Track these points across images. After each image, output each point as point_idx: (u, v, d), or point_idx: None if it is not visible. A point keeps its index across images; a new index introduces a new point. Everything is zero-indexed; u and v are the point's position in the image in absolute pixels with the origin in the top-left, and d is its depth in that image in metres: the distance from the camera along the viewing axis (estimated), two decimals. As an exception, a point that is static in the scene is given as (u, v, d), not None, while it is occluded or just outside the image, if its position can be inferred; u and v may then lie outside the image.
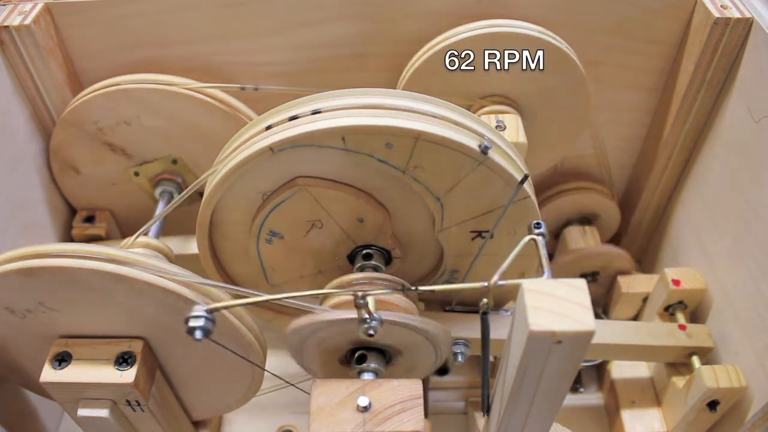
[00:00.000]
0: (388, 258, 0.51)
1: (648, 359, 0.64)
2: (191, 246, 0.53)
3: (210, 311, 0.38)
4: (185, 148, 0.62)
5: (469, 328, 0.56)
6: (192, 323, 0.37)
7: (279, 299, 0.42)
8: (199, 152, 0.62)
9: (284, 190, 0.47)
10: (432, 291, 0.42)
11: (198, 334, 0.37)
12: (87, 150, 0.62)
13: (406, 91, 0.44)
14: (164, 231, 0.60)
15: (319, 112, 0.43)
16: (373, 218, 0.49)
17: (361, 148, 0.43)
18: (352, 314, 0.43)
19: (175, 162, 0.63)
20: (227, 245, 0.52)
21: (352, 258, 0.52)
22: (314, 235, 0.51)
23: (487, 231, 0.47)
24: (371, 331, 0.43)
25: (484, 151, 0.42)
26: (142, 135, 0.61)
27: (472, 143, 0.42)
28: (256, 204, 0.49)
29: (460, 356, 0.55)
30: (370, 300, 0.43)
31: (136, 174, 0.64)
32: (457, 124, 0.43)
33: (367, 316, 0.42)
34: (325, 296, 0.48)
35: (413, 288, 0.42)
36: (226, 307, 0.41)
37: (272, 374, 0.48)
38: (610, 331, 0.59)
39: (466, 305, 0.59)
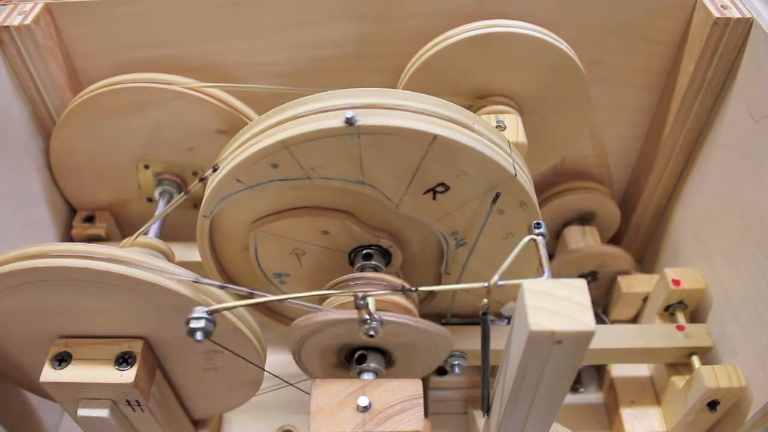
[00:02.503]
0: (387, 256, 0.51)
1: (648, 361, 0.64)
2: (196, 253, 0.54)
3: (210, 312, 0.38)
4: (185, 148, 0.62)
5: (465, 340, 0.57)
6: (193, 324, 0.37)
7: (280, 300, 0.42)
8: (199, 152, 0.62)
9: (250, 239, 0.49)
10: (432, 291, 0.42)
11: (199, 336, 0.37)
12: (88, 148, 0.62)
13: (277, 107, 0.44)
14: (169, 237, 0.60)
15: (216, 168, 0.46)
16: (333, 226, 0.49)
17: (256, 180, 0.45)
18: (353, 314, 0.43)
19: (195, 173, 0.64)
20: (228, 246, 0.52)
21: (353, 262, 0.52)
22: (307, 261, 0.52)
23: (441, 184, 0.45)
24: (372, 332, 0.43)
25: (350, 122, 0.41)
26: (145, 134, 0.61)
27: (336, 122, 0.41)
28: (246, 255, 0.52)
29: (456, 368, 0.56)
30: (371, 301, 0.43)
31: (146, 167, 0.64)
32: (321, 111, 0.42)
33: (367, 316, 0.42)
34: (326, 298, 0.48)
35: (413, 288, 0.42)
36: (227, 309, 0.41)
37: (272, 374, 0.48)
38: (608, 335, 0.59)
39: (462, 317, 0.59)
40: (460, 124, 0.43)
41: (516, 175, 0.44)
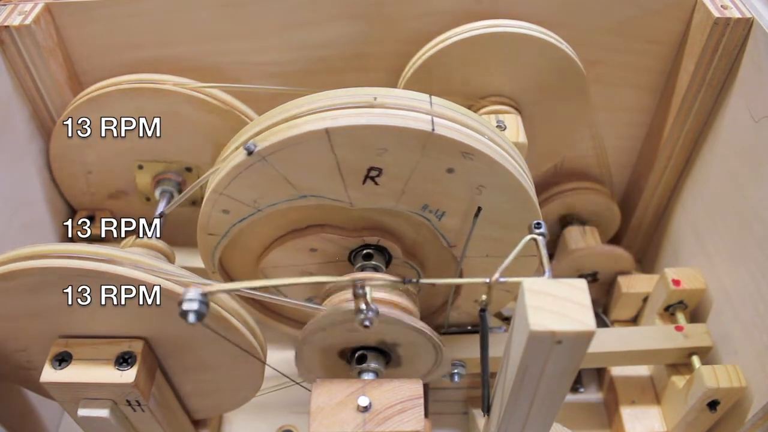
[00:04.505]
0: (384, 251, 0.51)
1: (648, 362, 0.64)
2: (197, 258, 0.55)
3: (204, 294, 0.37)
4: (185, 148, 0.62)
5: (464, 349, 0.57)
6: (186, 306, 0.36)
7: (276, 285, 0.42)
8: (199, 152, 0.62)
9: (261, 276, 0.53)
10: (433, 285, 0.41)
11: (191, 318, 0.36)
12: (88, 149, 0.62)
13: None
14: (171, 242, 0.60)
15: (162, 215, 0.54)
16: (315, 242, 0.51)
17: (223, 229, 0.48)
18: (349, 308, 0.43)
19: (189, 170, 0.64)
20: (232, 251, 0.53)
21: (354, 264, 0.52)
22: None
23: (371, 168, 0.45)
24: (367, 322, 0.42)
25: (250, 150, 0.42)
26: (143, 135, 0.61)
27: (241, 156, 0.43)
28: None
29: (456, 377, 0.56)
30: (368, 291, 0.43)
31: (140, 167, 0.64)
32: (234, 150, 0.45)
33: (364, 306, 0.42)
34: (325, 298, 0.49)
35: (414, 280, 0.42)
36: (222, 291, 0.41)
37: (276, 371, 0.48)
38: (607, 339, 0.59)
39: (460, 326, 0.59)
40: (360, 105, 0.42)
41: (434, 130, 0.41)
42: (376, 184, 0.45)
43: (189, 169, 0.64)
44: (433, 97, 0.43)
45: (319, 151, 0.43)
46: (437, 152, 0.42)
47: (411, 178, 0.45)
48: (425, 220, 0.48)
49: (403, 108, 0.42)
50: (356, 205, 0.47)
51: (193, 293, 0.36)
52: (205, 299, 0.37)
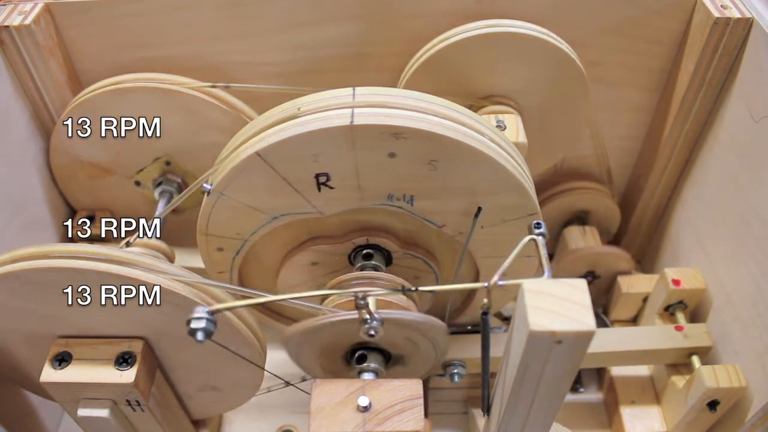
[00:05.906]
0: (379, 249, 0.51)
1: (648, 362, 0.64)
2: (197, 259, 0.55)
3: (211, 312, 0.38)
4: (185, 148, 0.62)
5: (464, 349, 0.57)
6: (194, 325, 0.37)
7: (281, 300, 0.42)
8: (199, 152, 0.62)
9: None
10: (432, 291, 0.41)
11: (200, 336, 0.37)
12: (88, 149, 0.62)
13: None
14: (172, 243, 0.60)
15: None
16: (311, 255, 0.51)
17: (226, 265, 0.51)
18: (353, 315, 0.43)
19: (168, 164, 0.64)
20: (251, 274, 0.54)
21: (353, 264, 0.52)
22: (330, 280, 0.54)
23: (318, 175, 0.45)
24: (372, 332, 0.43)
25: (207, 191, 0.46)
26: (143, 135, 0.61)
27: (206, 197, 0.46)
28: None
29: (456, 376, 0.56)
30: (371, 300, 0.43)
31: (141, 168, 0.64)
32: (194, 186, 0.47)
33: (368, 316, 0.42)
34: (327, 296, 0.49)
35: (413, 288, 0.42)
36: (228, 309, 0.41)
37: (272, 374, 0.48)
38: (606, 339, 0.59)
39: (460, 326, 0.59)
40: (285, 119, 0.43)
41: (353, 121, 0.41)
42: (330, 188, 0.46)
43: (188, 169, 0.64)
44: (357, 88, 0.43)
45: (263, 174, 0.44)
46: (368, 141, 0.42)
47: (359, 173, 0.45)
48: (398, 208, 0.48)
49: (325, 109, 0.42)
50: (326, 212, 0.47)
51: (199, 312, 0.37)
52: (213, 317, 0.37)
